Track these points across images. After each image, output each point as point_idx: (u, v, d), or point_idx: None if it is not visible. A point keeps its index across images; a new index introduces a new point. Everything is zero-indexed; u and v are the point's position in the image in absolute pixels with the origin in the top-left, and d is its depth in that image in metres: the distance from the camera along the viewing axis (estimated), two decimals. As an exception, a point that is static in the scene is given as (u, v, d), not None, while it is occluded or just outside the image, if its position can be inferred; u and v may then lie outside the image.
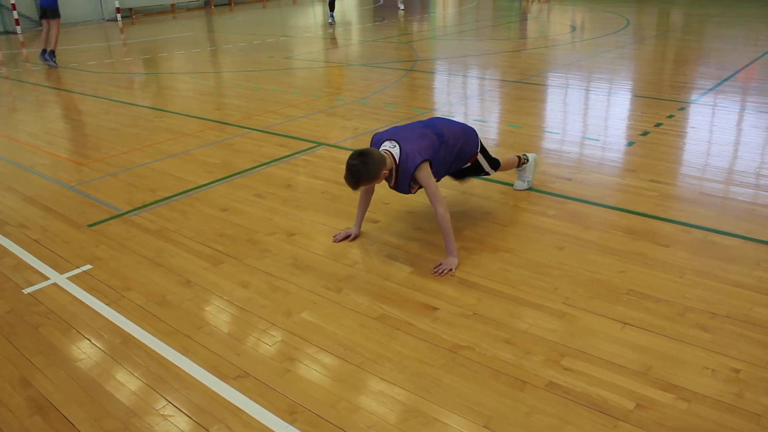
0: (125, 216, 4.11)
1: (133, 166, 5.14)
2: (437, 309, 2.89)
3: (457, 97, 7.01)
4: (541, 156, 4.82)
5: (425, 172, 3.22)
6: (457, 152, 3.45)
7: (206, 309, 3.00)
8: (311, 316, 2.90)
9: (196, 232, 3.81)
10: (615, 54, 9.29)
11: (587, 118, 5.93)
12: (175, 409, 2.36)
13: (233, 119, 6.47)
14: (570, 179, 4.34)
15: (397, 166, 3.23)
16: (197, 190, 4.51)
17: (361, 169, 3.10)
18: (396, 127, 3.46)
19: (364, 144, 5.49)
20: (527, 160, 4.16)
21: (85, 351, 2.73)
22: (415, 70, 8.55)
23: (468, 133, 3.57)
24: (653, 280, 3.02)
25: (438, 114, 6.20)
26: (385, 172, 3.16)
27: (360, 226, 3.66)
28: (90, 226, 4.00)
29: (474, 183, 4.28)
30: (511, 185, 4.27)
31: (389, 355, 2.59)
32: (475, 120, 5.96)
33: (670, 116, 5.70)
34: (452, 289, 3.04)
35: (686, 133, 5.23)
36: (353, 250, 3.49)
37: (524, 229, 3.64)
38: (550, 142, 5.17)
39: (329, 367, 2.53)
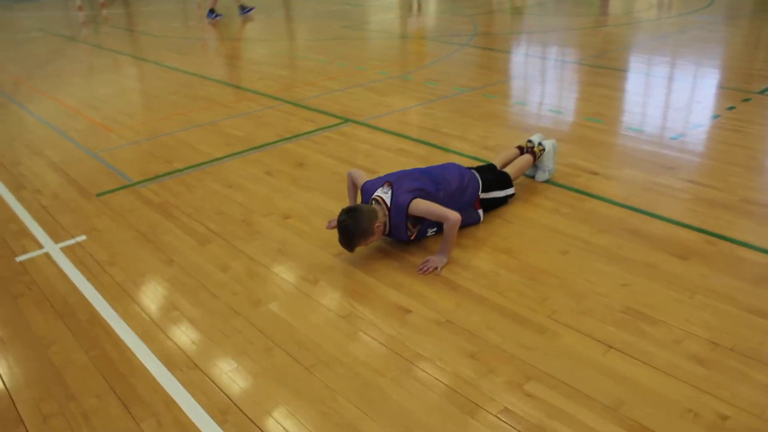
0: (134, 187, 4.12)
1: (159, 134, 5.15)
2: (410, 312, 2.69)
3: (502, 76, 6.62)
4: (574, 145, 4.45)
5: (420, 205, 3.02)
6: (456, 199, 3.22)
7: (179, 292, 2.93)
8: (279, 308, 2.77)
9: (196, 208, 3.76)
10: (691, 35, 8.52)
11: (635, 105, 5.43)
12: (115, 398, 2.30)
13: (271, 90, 6.38)
14: (597, 173, 3.97)
15: (389, 211, 3.04)
16: (211, 163, 4.46)
17: (351, 225, 2.92)
18: (389, 174, 3.27)
19: (392, 122, 5.33)
20: (543, 149, 3.83)
21: (51, 327, 2.73)
22: (469, 45, 8.16)
23: (465, 176, 3.34)
24: (657, 298, 2.69)
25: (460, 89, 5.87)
26: (378, 225, 2.99)
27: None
28: (98, 195, 4.02)
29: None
30: (525, 174, 3.96)
31: (344, 359, 2.43)
32: (512, 99, 5.59)
33: (731, 108, 5.12)
34: (433, 291, 2.83)
35: (744, 128, 4.68)
36: (343, 239, 3.33)
37: (530, 227, 3.35)
38: (588, 131, 4.77)
39: (278, 367, 2.41)
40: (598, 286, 2.80)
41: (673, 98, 5.63)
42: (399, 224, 3.06)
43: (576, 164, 4.12)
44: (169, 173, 4.31)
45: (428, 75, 6.66)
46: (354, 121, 5.23)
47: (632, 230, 3.26)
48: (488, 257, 3.08)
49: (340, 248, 3.21)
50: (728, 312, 2.59)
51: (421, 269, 2.98)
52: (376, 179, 3.24)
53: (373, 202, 3.10)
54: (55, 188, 4.17)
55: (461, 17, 10.51)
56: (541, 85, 6.13)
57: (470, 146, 4.53)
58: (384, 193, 3.09)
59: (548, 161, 3.87)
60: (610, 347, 2.41)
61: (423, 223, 3.14)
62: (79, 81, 7.30)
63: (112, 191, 4.07)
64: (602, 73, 6.55)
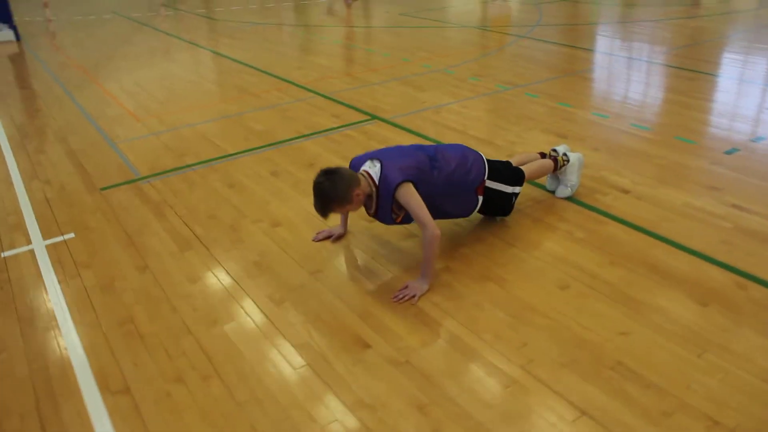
0: (138, 182, 4.03)
1: (181, 125, 5.07)
2: (369, 347, 2.42)
3: (552, 72, 6.11)
4: (609, 156, 3.98)
5: (407, 192, 2.69)
6: (455, 181, 2.88)
7: (141, 303, 2.78)
8: (234, 330, 2.57)
9: (190, 209, 3.62)
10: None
11: (692, 111, 4.84)
12: (36, 420, 2.18)
13: (306, 80, 6.19)
14: (628, 192, 3.52)
15: (377, 188, 2.74)
16: (222, 159, 4.32)
17: (328, 189, 2.65)
18: (380, 149, 2.95)
19: (419, 121, 4.99)
20: (567, 161, 3.42)
21: (7, 333, 2.65)
22: (527, 37, 7.65)
23: (469, 157, 2.98)
24: (658, 354, 2.29)
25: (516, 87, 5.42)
26: (358, 193, 2.69)
27: (345, 225, 3.23)
28: (102, 189, 3.97)
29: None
30: (544, 187, 3.57)
31: (281, 398, 2.19)
32: (556, 99, 5.12)
33: (807, 118, 4.47)
34: (401, 324, 2.54)
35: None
36: (325, 254, 3.09)
37: (533, 252, 2.98)
38: (630, 139, 4.27)
39: (209, 400, 2.20)
40: (591, 332, 2.42)
41: (742, 104, 4.99)
42: (385, 205, 2.75)
43: (606, 179, 3.68)
44: (177, 169, 4.20)
45: (473, 69, 6.26)
46: (380, 119, 4.95)
47: (651, 264, 2.83)
48: (475, 286, 2.75)
49: (320, 265, 2.98)
50: (741, 380, 2.16)
51: (396, 297, 2.69)
52: (363, 154, 2.91)
53: (360, 177, 2.79)
54: (64, 179, 4.15)
55: (528, 5, 9.93)
56: (593, 85, 5.60)
57: (495, 152, 4.16)
58: (371, 168, 2.77)
59: (572, 175, 3.46)
60: (583, 413, 2.05)
61: None
62: (127, 66, 7.39)
63: (116, 186, 4.00)
64: (668, 72, 5.94)
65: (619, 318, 2.49)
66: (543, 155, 3.45)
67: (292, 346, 2.46)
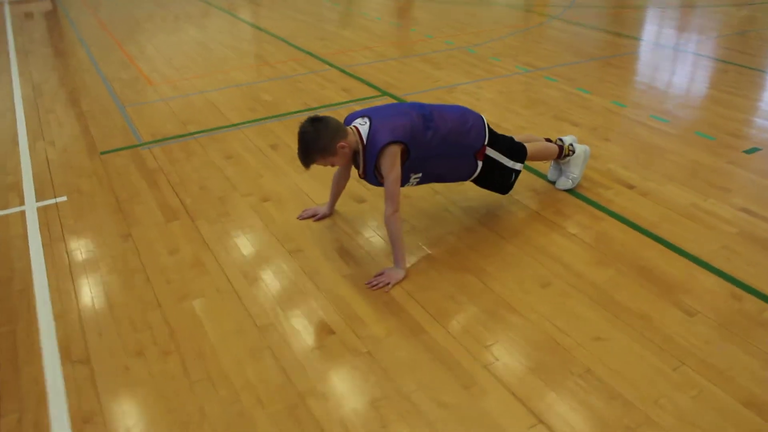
0: (138, 148, 4.02)
1: (192, 92, 5.04)
2: (333, 333, 2.36)
3: (576, 56, 5.86)
4: (621, 148, 3.80)
5: (390, 157, 2.56)
6: (452, 143, 2.73)
7: (116, 272, 2.77)
8: (202, 306, 2.54)
9: (183, 178, 3.59)
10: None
11: (719, 105, 4.58)
12: (-7, 384, 2.19)
13: (325, 52, 6.08)
14: (633, 187, 3.35)
15: (364, 146, 2.62)
16: (225, 129, 4.27)
17: (312, 137, 2.53)
18: (375, 107, 2.81)
19: (428, 100, 4.82)
20: (572, 152, 3.27)
21: (-18, 293, 2.67)
22: (559, 18, 7.36)
23: (469, 119, 2.82)
24: (631, 364, 2.17)
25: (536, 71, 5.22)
26: (343, 144, 2.55)
27: (333, 206, 3.16)
28: (102, 153, 3.96)
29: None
30: (545, 177, 3.42)
31: (234, 380, 2.16)
32: (575, 84, 4.90)
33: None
34: (370, 312, 2.47)
35: None
36: (308, 233, 3.02)
37: (520, 246, 2.86)
38: (645, 131, 4.07)
39: (165, 377, 2.18)
40: (565, 335, 2.31)
41: (775, 99, 4.72)
42: (370, 165, 2.62)
43: (612, 172, 3.51)
44: (178, 137, 4.17)
45: (496, 49, 6.06)
46: (390, 95, 4.83)
47: (641, 266, 2.69)
48: (453, 278, 2.65)
49: (299, 245, 2.92)
50: (716, 398, 2.03)
51: (370, 283, 2.62)
52: (357, 111, 2.78)
53: (348, 130, 2.67)
54: (67, 141, 4.17)
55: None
56: (617, 71, 5.35)
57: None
58: (361, 125, 2.64)
59: (575, 167, 3.31)
60: (540, 421, 1.96)
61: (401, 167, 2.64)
62: (153, 29, 7.37)
63: (116, 150, 4.00)
64: (700, 63, 5.64)
65: (597, 322, 2.38)
66: (548, 141, 3.30)
67: (256, 326, 2.41)
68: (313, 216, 3.13)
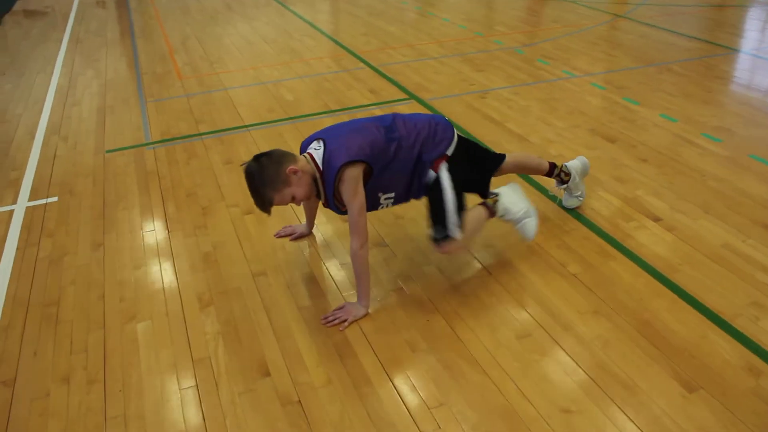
0: (143, 148, 3.93)
1: (216, 88, 4.93)
2: (268, 376, 2.13)
3: (635, 62, 5.30)
4: (657, 171, 3.33)
5: (351, 182, 2.25)
6: (417, 154, 2.39)
7: (75, 285, 2.65)
8: (143, 332, 2.36)
9: (175, 184, 3.45)
10: None
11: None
12: None
13: (363, 49, 5.83)
14: (660, 219, 2.91)
15: (321, 173, 2.33)
16: (234, 130, 4.11)
17: (256, 172, 2.24)
18: (329, 126, 2.49)
19: (458, 106, 4.46)
20: (568, 178, 2.89)
21: (-60, 298, 2.62)
22: (626, 17, 6.75)
23: (437, 126, 2.43)
24: (598, 448, 1.81)
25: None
26: (294, 169, 2.24)
27: (311, 225, 2.91)
28: (107, 152, 3.90)
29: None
30: (560, 201, 3.04)
31: (132, 424, 1.96)
32: (624, 94, 4.40)
33: None
34: (316, 352, 2.21)
35: None
36: (278, 254, 2.79)
37: (506, 283, 2.51)
38: (691, 152, 3.56)
39: (81, 411, 2.01)
40: (526, 403, 1.97)
41: None
42: (329, 191, 2.31)
43: (638, 201, 3.07)
44: (186, 137, 4.05)
45: (547, 50, 5.59)
46: (418, 99, 4.52)
47: (645, 320, 2.29)
48: (420, 320, 2.35)
49: (264, 267, 2.70)
50: (692, 507, 1.65)
51: (325, 318, 2.36)
52: (312, 134, 2.46)
53: (299, 156, 2.38)
54: (79, 137, 4.14)
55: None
56: (678, 80, 4.78)
57: (525, 149, 3.64)
58: (315, 150, 2.35)
59: (579, 186, 2.95)
60: None
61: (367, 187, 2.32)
62: (201, 19, 7.36)
63: (120, 149, 3.92)
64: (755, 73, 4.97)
65: (570, 389, 2.02)
66: (552, 168, 2.89)
67: (191, 359, 2.22)
68: (290, 235, 2.91)
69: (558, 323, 2.30)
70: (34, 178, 3.62)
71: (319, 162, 2.31)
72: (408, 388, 2.04)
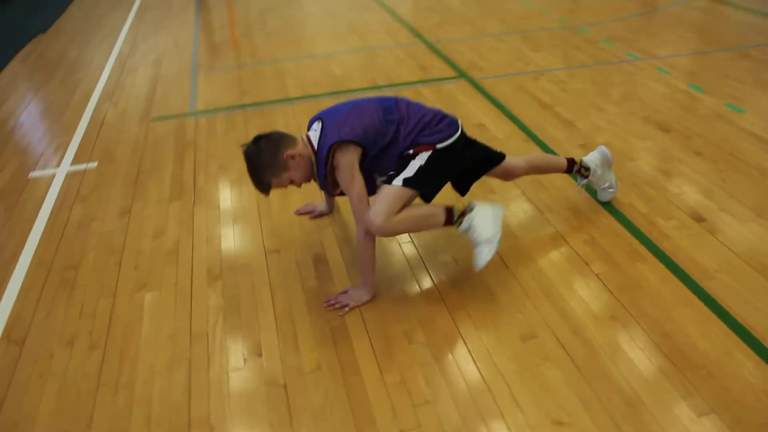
0: (185, 117, 3.98)
1: (268, 60, 4.93)
2: (259, 356, 2.10)
3: (709, 45, 4.87)
4: (712, 167, 3.06)
5: (345, 168, 2.17)
6: (414, 138, 2.22)
7: (97, 250, 2.72)
8: (150, 302, 2.39)
9: (210, 154, 3.49)
10: None
11: None
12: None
13: (422, 24, 5.68)
14: (704, 220, 2.66)
15: (315, 153, 2.27)
16: (277, 103, 4.10)
17: (254, 154, 2.22)
18: (333, 106, 2.38)
19: (508, 86, 4.22)
20: (588, 173, 2.68)
21: (-25, 255, 2.76)
22: (710, -7, 6.23)
23: (443, 118, 2.28)
24: (585, 466, 1.68)
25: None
26: (291, 154, 2.22)
27: (331, 203, 2.86)
28: (152, 120, 3.98)
29: (515, 182, 2.96)
30: (595, 194, 2.84)
31: (121, 394, 1.99)
32: (690, 79, 4.05)
33: None
34: (312, 335, 2.17)
35: None
36: (295, 232, 2.76)
37: (523, 280, 2.37)
38: (753, 146, 3.24)
39: (77, 375, 2.07)
40: (518, 410, 1.85)
41: None
42: (321, 172, 2.25)
43: (684, 198, 2.83)
44: (229, 108, 4.08)
45: (613, 30, 5.24)
46: (467, 78, 4.35)
47: (665, 333, 2.10)
48: (424, 311, 2.26)
49: (278, 245, 2.69)
50: None
51: (327, 302, 2.31)
52: (316, 114, 2.37)
53: (297, 138, 2.32)
54: (129, 104, 4.25)
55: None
56: (752, 66, 4.35)
57: (566, 138, 3.43)
58: (314, 131, 2.29)
59: (603, 176, 2.75)
60: None
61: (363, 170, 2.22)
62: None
63: (164, 118, 3.99)
64: None
65: (568, 400, 1.88)
66: (570, 164, 2.70)
67: (189, 334, 2.23)
68: (310, 212, 2.87)
69: (568, 326, 2.15)
70: (81, 143, 3.74)
71: (315, 143, 2.26)
72: (396, 382, 1.97)
